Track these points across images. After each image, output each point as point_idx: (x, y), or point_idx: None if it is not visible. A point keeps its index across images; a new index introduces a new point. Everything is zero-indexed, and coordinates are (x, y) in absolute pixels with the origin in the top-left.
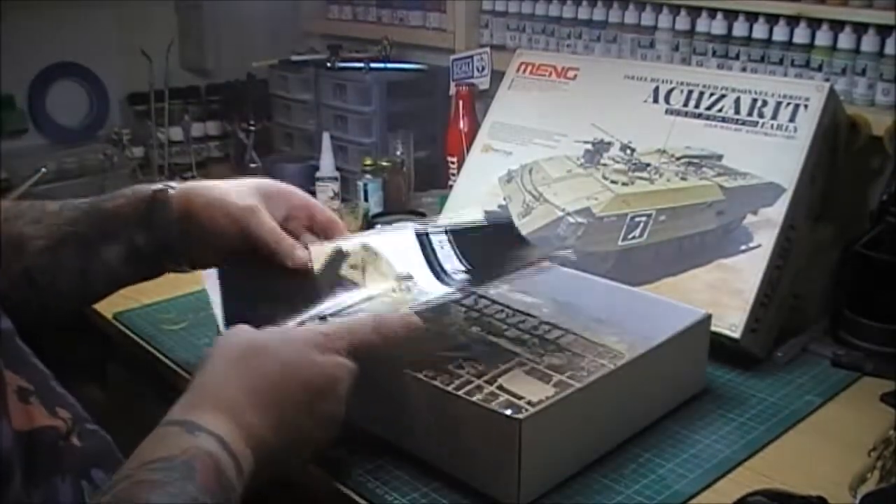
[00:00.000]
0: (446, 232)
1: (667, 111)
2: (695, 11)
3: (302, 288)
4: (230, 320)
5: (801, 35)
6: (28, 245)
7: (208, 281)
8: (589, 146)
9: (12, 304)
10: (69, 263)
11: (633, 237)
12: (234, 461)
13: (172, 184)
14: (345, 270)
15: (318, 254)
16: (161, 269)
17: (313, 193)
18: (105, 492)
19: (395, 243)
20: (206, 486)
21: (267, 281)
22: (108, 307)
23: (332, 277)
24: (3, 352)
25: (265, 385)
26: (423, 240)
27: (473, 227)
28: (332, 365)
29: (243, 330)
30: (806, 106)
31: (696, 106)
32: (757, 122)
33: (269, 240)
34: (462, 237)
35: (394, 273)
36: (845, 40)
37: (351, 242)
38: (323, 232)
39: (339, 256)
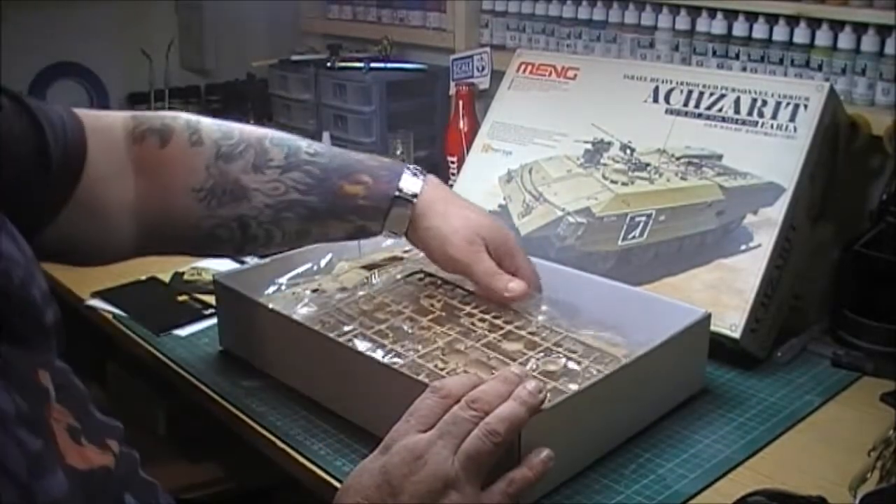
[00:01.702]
0: None
1: (667, 111)
2: (695, 11)
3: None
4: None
5: (800, 35)
6: (249, 196)
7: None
8: (589, 146)
9: (213, 241)
10: (289, 227)
11: (633, 237)
12: None
13: (413, 189)
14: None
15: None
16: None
17: None
18: None
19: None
20: None
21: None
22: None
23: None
24: (57, 387)
25: None
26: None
27: None
28: (392, 456)
29: None
30: (806, 106)
31: (696, 106)
32: (757, 122)
33: (486, 278)
34: None
35: None
36: (845, 40)
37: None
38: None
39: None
